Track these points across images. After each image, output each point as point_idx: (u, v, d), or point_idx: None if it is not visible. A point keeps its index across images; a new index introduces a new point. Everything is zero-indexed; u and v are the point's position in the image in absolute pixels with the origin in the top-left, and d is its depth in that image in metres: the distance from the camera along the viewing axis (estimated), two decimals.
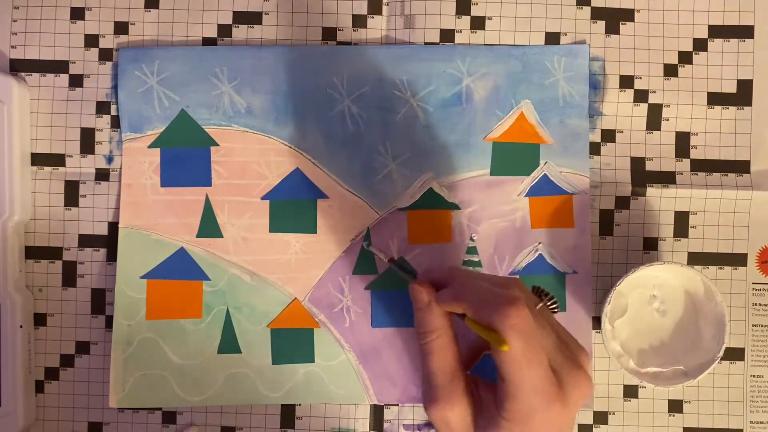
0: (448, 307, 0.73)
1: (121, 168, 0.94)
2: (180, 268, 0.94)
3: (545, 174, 0.94)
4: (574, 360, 0.71)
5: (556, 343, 0.71)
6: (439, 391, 0.72)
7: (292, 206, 0.94)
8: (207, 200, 0.94)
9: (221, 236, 0.94)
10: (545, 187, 0.94)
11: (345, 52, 0.94)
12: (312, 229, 0.94)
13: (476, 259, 0.94)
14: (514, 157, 0.94)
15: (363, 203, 0.94)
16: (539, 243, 0.94)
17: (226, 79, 0.94)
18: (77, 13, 0.95)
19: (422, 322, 0.74)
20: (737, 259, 0.94)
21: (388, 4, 0.95)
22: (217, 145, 0.94)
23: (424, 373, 0.75)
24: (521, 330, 0.66)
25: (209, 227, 0.94)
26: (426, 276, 0.79)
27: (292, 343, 0.94)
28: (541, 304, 0.74)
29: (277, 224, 0.94)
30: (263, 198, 0.94)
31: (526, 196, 0.94)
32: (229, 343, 0.94)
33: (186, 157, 0.94)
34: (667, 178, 0.94)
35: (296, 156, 0.94)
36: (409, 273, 0.85)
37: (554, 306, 0.76)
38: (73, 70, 0.95)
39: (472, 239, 0.94)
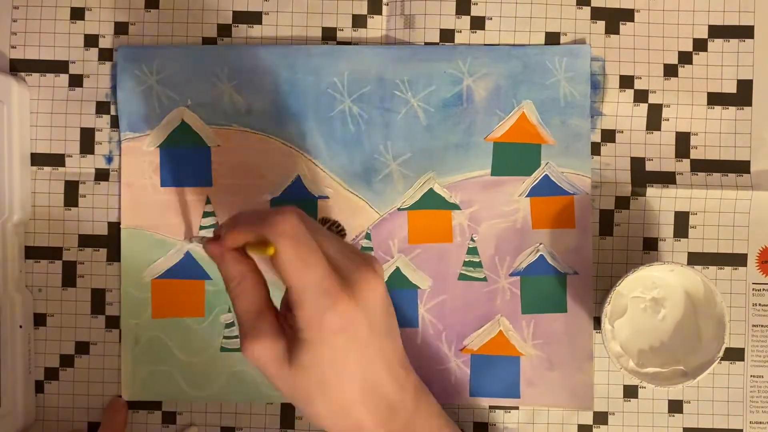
0: (230, 241, 0.72)
1: (120, 168, 0.94)
2: (183, 267, 0.94)
3: (546, 174, 0.94)
4: (360, 261, 0.71)
5: (338, 248, 0.71)
6: (246, 329, 0.72)
7: None
8: (208, 200, 0.94)
9: None
10: (546, 188, 0.94)
11: (346, 51, 0.94)
12: None
13: (477, 260, 0.94)
14: (515, 157, 0.94)
15: (363, 203, 0.94)
16: (540, 244, 0.94)
17: (226, 79, 0.94)
18: (77, 13, 0.95)
19: (223, 273, 0.74)
20: (737, 259, 0.94)
21: (388, 4, 0.95)
22: (218, 145, 0.94)
23: (236, 321, 0.75)
24: (291, 234, 0.67)
25: (210, 227, 0.94)
26: (217, 231, 0.76)
27: None
28: (326, 227, 0.74)
29: None
30: (264, 198, 0.94)
31: (527, 196, 0.94)
32: (231, 342, 0.94)
33: (186, 157, 0.94)
34: (667, 178, 0.94)
35: (297, 156, 0.94)
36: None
37: (340, 230, 0.76)
38: (73, 70, 0.95)
39: (472, 240, 0.94)
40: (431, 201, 0.94)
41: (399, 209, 0.94)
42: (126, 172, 0.94)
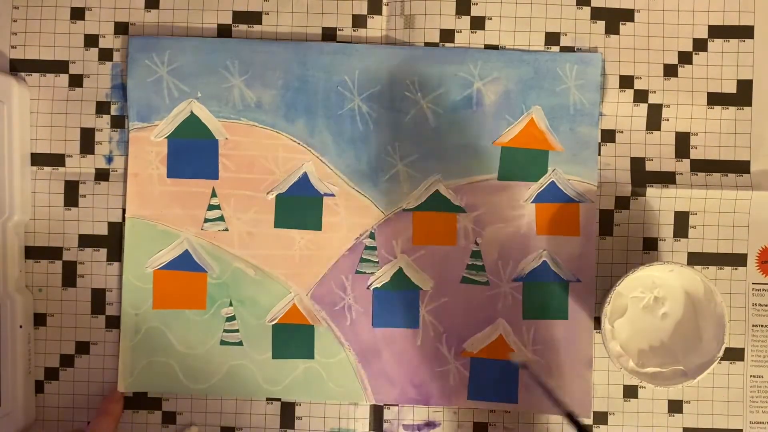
0: None
1: (127, 157, 0.94)
2: (185, 259, 0.94)
3: (553, 181, 0.94)
4: None
5: None
6: None
7: (298, 202, 0.94)
8: (213, 193, 0.94)
9: (226, 229, 0.94)
10: (552, 194, 0.94)
11: (357, 50, 0.94)
12: (317, 226, 0.94)
13: (480, 263, 0.94)
14: (523, 162, 0.94)
15: (369, 202, 0.94)
16: (544, 250, 0.94)
17: (237, 72, 0.94)
18: (77, 13, 0.95)
19: None
20: (737, 259, 0.95)
21: (388, 4, 0.95)
22: (225, 138, 0.94)
23: None
24: None
25: (215, 220, 0.94)
26: None
27: (293, 338, 0.94)
28: None
29: (283, 220, 0.94)
30: (269, 193, 0.94)
31: (532, 202, 0.94)
32: (231, 336, 0.94)
33: (193, 148, 0.94)
34: (667, 178, 0.95)
35: (304, 153, 0.94)
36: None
37: None
38: (73, 70, 0.95)
39: (476, 243, 0.94)
40: (437, 203, 0.94)
41: (404, 210, 0.94)
42: (133, 162, 0.94)
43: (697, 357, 0.88)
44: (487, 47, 0.95)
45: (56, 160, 0.95)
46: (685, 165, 0.95)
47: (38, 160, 0.95)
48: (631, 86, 0.95)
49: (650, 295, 0.91)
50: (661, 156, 0.95)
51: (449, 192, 0.94)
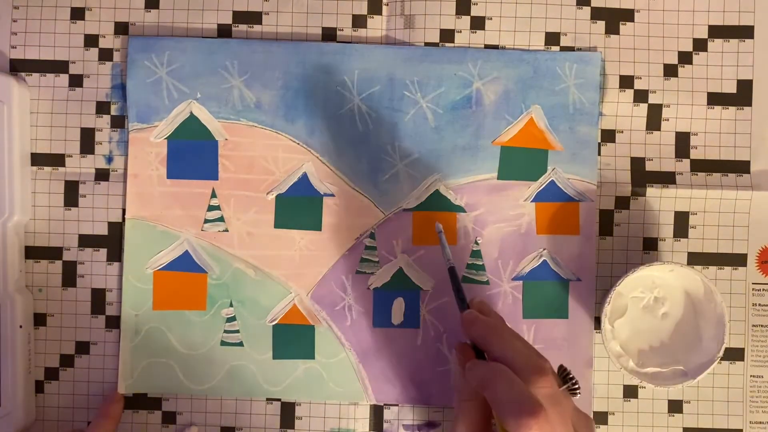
0: (474, 383, 0.74)
1: (126, 158, 0.94)
2: (185, 260, 0.94)
3: (552, 180, 0.94)
4: None
5: None
6: None
7: (297, 203, 0.94)
8: (213, 193, 0.94)
9: (226, 230, 0.94)
10: (552, 194, 0.94)
11: (357, 50, 0.94)
12: (317, 226, 0.94)
13: (480, 263, 0.94)
14: (522, 162, 0.94)
15: (369, 202, 0.94)
16: (544, 249, 0.94)
17: (237, 73, 0.94)
18: (77, 13, 0.95)
19: (457, 384, 0.77)
20: (737, 259, 0.95)
21: (388, 4, 0.95)
22: (225, 139, 0.94)
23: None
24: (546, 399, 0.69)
25: (214, 221, 0.94)
26: (473, 320, 0.79)
27: (293, 338, 0.94)
28: (564, 387, 0.74)
29: (283, 220, 0.94)
30: (269, 194, 0.94)
31: (532, 201, 0.94)
32: (231, 336, 0.94)
33: (193, 149, 0.94)
34: (667, 178, 0.94)
35: (304, 153, 0.94)
36: (460, 295, 0.84)
37: (576, 388, 0.76)
38: (73, 70, 0.95)
39: (476, 243, 0.94)
40: (437, 202, 0.94)
41: (404, 210, 0.94)
42: (132, 162, 0.94)
43: (697, 357, 0.88)
44: (487, 47, 0.95)
45: (56, 160, 0.95)
46: (685, 165, 0.95)
47: (38, 160, 0.95)
48: (631, 86, 0.95)
49: (650, 295, 0.91)
50: (661, 156, 0.95)
51: (449, 192, 0.94)
